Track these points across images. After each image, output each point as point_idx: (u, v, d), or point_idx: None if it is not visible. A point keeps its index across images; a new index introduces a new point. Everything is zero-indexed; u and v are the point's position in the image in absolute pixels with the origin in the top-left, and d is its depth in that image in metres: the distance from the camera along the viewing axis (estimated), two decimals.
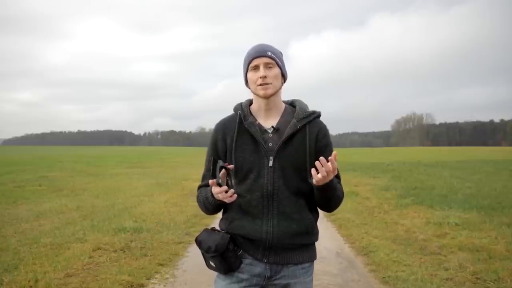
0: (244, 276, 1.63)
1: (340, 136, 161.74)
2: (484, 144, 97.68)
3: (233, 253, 1.61)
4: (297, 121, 1.65)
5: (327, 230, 6.04)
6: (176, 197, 9.59)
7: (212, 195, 1.55)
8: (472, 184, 11.36)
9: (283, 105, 1.74)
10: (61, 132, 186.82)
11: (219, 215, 1.76)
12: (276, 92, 1.66)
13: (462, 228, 5.88)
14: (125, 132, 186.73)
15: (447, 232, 5.66)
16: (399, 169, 17.70)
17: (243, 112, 1.69)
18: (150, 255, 4.63)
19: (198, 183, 1.79)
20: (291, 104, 1.76)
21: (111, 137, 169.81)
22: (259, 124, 1.67)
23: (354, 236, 5.67)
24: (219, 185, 1.49)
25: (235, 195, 1.52)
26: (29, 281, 3.72)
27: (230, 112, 1.76)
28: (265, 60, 1.63)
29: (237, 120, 1.66)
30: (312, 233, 1.68)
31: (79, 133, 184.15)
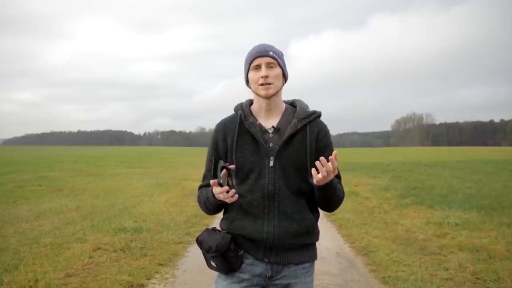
0: (245, 276, 1.63)
1: (340, 136, 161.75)
2: (484, 144, 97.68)
3: (234, 253, 1.61)
4: (298, 121, 1.65)
5: (327, 230, 6.04)
6: (176, 197, 9.58)
7: (213, 195, 1.56)
8: (472, 184, 11.36)
9: (284, 105, 1.74)
10: (61, 132, 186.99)
11: (220, 215, 1.77)
12: (277, 92, 1.66)
13: (462, 228, 5.88)
14: (125, 132, 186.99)
15: (447, 232, 5.66)
16: (399, 169, 17.70)
17: (243, 112, 1.69)
18: (150, 255, 4.63)
19: (198, 183, 1.79)
20: (292, 104, 1.76)
21: (111, 137, 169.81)
22: (259, 124, 1.67)
23: (354, 236, 5.67)
24: (221, 185, 1.49)
25: (236, 196, 1.52)
26: (29, 281, 3.72)
27: (230, 112, 1.76)
28: (267, 59, 1.63)
29: (238, 121, 1.66)
30: (312, 233, 1.68)
31: (79, 133, 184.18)
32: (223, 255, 1.59)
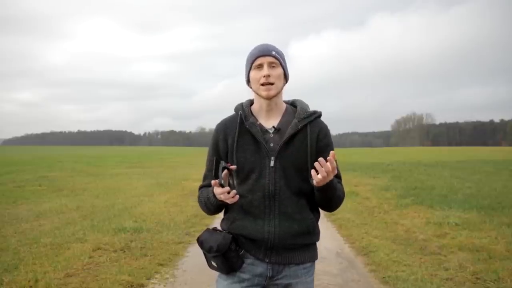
0: (245, 276, 1.64)
1: (340, 136, 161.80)
2: (484, 144, 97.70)
3: (235, 253, 1.62)
4: (298, 121, 1.65)
5: (327, 230, 6.04)
6: (176, 197, 9.58)
7: (214, 195, 1.56)
8: (472, 184, 11.36)
9: (284, 105, 1.74)
10: (61, 132, 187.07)
11: (220, 215, 1.77)
12: (278, 93, 1.66)
13: (462, 228, 5.88)
14: (125, 132, 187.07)
15: (447, 232, 5.66)
16: (399, 169, 17.70)
17: (244, 113, 1.68)
18: (150, 255, 4.63)
19: (198, 183, 1.79)
20: (292, 104, 1.77)
21: (111, 137, 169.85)
22: (260, 124, 1.67)
23: (354, 236, 5.67)
24: (222, 185, 1.49)
25: (237, 196, 1.52)
26: (29, 281, 3.72)
27: (230, 112, 1.76)
28: (269, 59, 1.63)
29: (238, 121, 1.66)
30: (313, 233, 1.68)
31: (79, 133, 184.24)
32: (224, 255, 1.59)
